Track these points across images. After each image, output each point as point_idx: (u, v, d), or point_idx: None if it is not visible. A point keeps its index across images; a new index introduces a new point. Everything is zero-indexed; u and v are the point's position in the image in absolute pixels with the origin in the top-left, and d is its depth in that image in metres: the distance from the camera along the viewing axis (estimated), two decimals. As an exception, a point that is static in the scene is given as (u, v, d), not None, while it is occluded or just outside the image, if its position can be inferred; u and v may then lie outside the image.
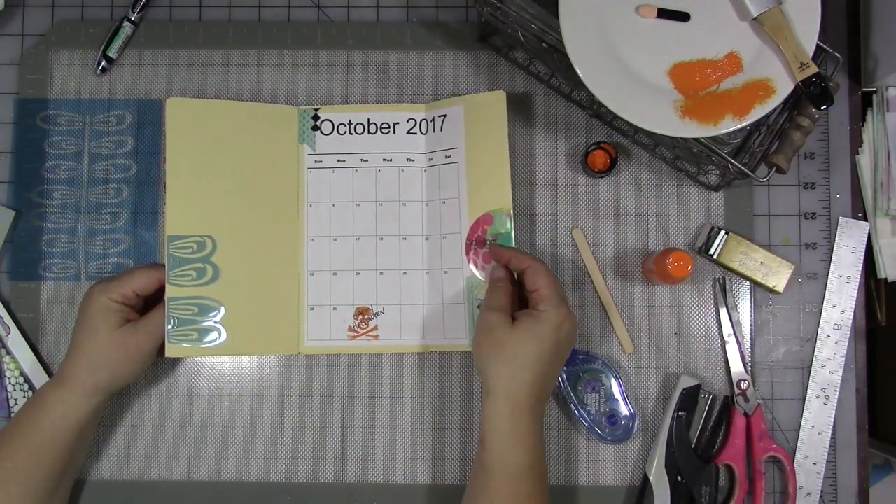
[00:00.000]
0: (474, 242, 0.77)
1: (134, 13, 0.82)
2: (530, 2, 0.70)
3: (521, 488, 0.67)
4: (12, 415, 0.78)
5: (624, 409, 0.78)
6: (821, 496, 0.78)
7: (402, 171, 0.80)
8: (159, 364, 0.79)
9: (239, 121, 0.80)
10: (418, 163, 0.80)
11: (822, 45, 0.68)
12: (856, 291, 0.79)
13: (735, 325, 0.79)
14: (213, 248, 0.78)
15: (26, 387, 0.79)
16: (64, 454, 0.71)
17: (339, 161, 0.80)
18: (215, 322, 0.77)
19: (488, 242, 0.77)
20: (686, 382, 0.77)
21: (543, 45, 0.71)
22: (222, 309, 0.77)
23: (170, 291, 0.76)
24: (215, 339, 0.77)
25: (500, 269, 0.74)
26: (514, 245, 0.76)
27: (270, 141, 0.80)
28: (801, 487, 0.77)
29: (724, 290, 0.79)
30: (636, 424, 0.78)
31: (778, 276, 0.79)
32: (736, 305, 0.79)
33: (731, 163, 0.69)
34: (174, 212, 0.78)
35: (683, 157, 0.79)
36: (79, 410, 0.71)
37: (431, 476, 0.79)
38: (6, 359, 0.79)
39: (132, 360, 0.72)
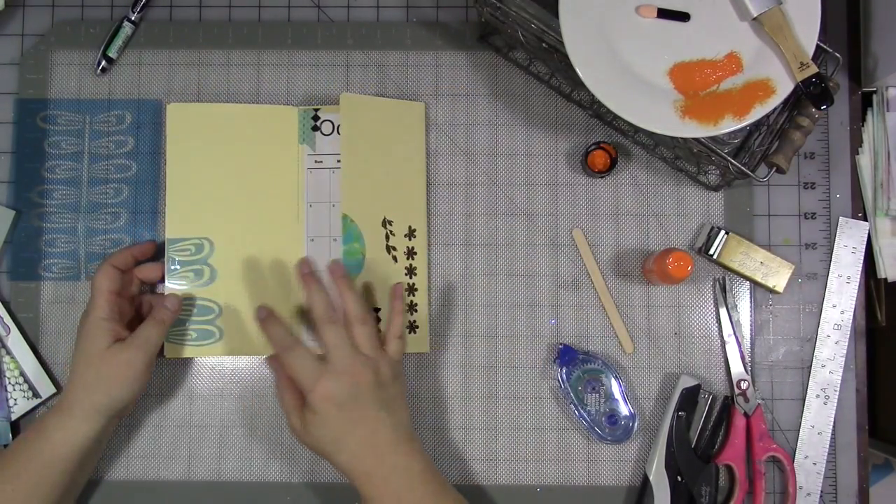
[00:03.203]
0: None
1: (134, 13, 0.82)
2: (530, 2, 0.70)
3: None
4: (12, 415, 0.78)
5: (624, 409, 0.78)
6: (821, 496, 0.78)
7: (402, 171, 0.80)
8: (159, 364, 0.79)
9: (239, 123, 0.80)
10: (418, 163, 0.80)
11: (822, 45, 0.68)
12: (856, 291, 0.79)
13: (735, 325, 0.79)
14: (211, 250, 0.79)
15: (26, 387, 0.79)
16: (64, 479, 0.70)
17: (339, 161, 0.80)
18: (212, 323, 0.78)
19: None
20: (686, 382, 0.77)
21: (543, 45, 0.71)
22: (218, 309, 0.78)
23: (169, 292, 0.78)
24: (212, 339, 0.78)
25: (273, 366, 0.73)
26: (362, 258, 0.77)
27: (270, 142, 0.80)
28: (801, 487, 0.77)
29: (724, 290, 0.79)
30: (636, 424, 0.78)
31: (778, 276, 0.79)
32: (736, 305, 0.79)
33: (731, 163, 0.69)
34: (174, 215, 0.79)
35: (683, 157, 0.79)
36: (78, 434, 0.70)
37: (431, 476, 0.79)
38: (6, 359, 0.79)
39: (125, 378, 0.71)
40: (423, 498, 0.68)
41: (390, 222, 0.78)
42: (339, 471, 0.70)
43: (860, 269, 0.79)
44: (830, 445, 0.78)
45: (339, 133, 0.80)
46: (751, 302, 0.80)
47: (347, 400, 0.68)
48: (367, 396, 0.69)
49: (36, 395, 0.79)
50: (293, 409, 0.70)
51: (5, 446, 0.78)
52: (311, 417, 0.69)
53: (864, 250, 0.79)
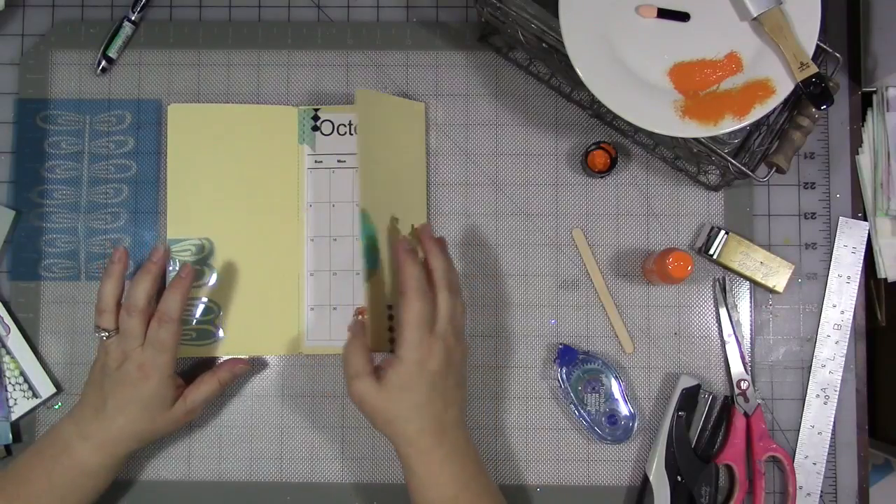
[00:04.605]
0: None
1: (134, 13, 0.82)
2: (530, 2, 0.70)
3: None
4: (12, 415, 0.78)
5: (624, 409, 0.78)
6: (821, 496, 0.78)
7: (402, 171, 0.80)
8: (159, 364, 0.79)
9: (239, 123, 0.80)
10: (418, 163, 0.80)
11: (822, 45, 0.68)
12: (856, 291, 0.79)
13: (735, 325, 0.79)
14: (211, 250, 0.79)
15: (26, 387, 0.79)
16: (83, 498, 0.72)
17: (339, 161, 0.80)
18: (213, 322, 0.78)
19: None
20: (686, 382, 0.77)
21: (543, 45, 0.71)
22: (218, 309, 0.78)
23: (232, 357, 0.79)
24: (213, 339, 0.78)
25: (353, 331, 0.69)
26: (376, 243, 0.74)
27: (270, 142, 0.80)
28: (801, 487, 0.77)
29: (724, 290, 0.79)
30: (636, 424, 0.78)
31: (778, 276, 0.79)
32: (736, 305, 0.79)
33: (731, 163, 0.69)
34: (174, 215, 0.79)
35: (683, 157, 0.79)
36: (106, 467, 0.72)
37: (431, 476, 0.79)
38: (6, 359, 0.79)
39: (170, 431, 0.74)
40: (474, 478, 0.69)
41: (396, 220, 0.78)
42: (395, 442, 0.68)
43: (860, 269, 0.79)
44: (830, 445, 0.78)
45: (345, 132, 0.80)
46: (751, 302, 0.80)
47: (441, 369, 0.67)
48: (454, 371, 0.69)
49: (36, 395, 0.79)
50: (365, 370, 0.67)
51: (6, 446, 0.78)
52: (397, 378, 0.67)
53: (864, 250, 0.79)
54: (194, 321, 0.78)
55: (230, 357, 0.78)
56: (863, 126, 0.81)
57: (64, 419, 0.72)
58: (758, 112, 0.65)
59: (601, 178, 0.80)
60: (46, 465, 0.70)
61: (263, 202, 0.80)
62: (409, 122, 0.80)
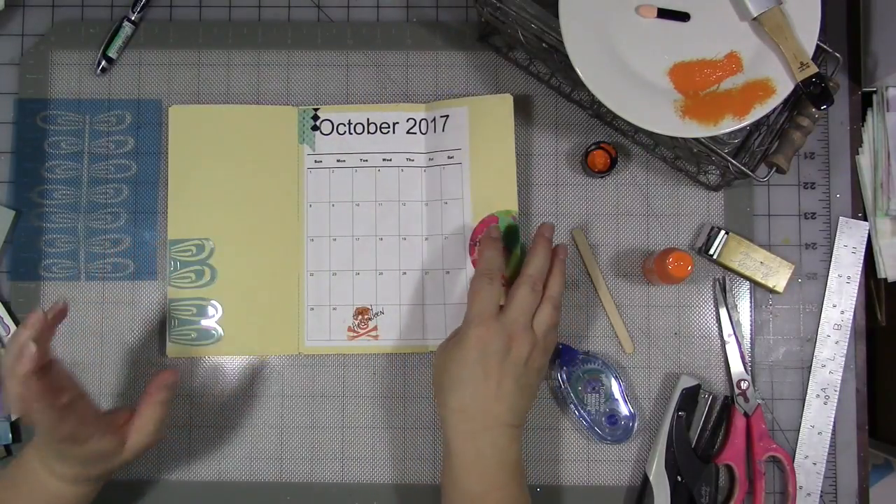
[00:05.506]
0: (478, 242, 0.77)
1: (134, 13, 0.82)
2: (530, 2, 0.70)
3: None
4: (11, 416, 0.78)
5: (624, 409, 0.78)
6: (821, 496, 0.78)
7: (402, 171, 0.80)
8: (160, 365, 0.79)
9: (239, 124, 0.80)
10: (418, 163, 0.80)
11: (822, 45, 0.68)
12: (856, 291, 0.79)
13: (735, 325, 0.79)
14: (212, 251, 0.79)
15: (26, 387, 0.79)
16: None
17: (338, 161, 0.80)
18: (213, 322, 0.78)
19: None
20: (686, 382, 0.77)
21: (543, 45, 0.71)
22: (220, 309, 0.78)
23: (171, 293, 0.79)
24: (213, 339, 0.78)
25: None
26: (520, 244, 0.76)
27: (270, 142, 0.80)
28: (801, 487, 0.77)
29: (724, 290, 0.79)
30: (636, 424, 0.78)
31: (778, 276, 0.79)
32: (736, 305, 0.79)
33: (731, 163, 0.69)
34: (175, 216, 0.79)
35: (683, 157, 0.79)
36: (84, 494, 0.69)
37: (431, 476, 0.79)
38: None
39: (137, 458, 0.70)
40: (505, 485, 0.67)
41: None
42: (440, 414, 0.69)
43: (860, 269, 0.79)
44: (830, 445, 0.78)
45: (345, 132, 0.80)
46: (751, 302, 0.80)
47: (494, 355, 0.67)
48: (514, 366, 0.67)
49: (36, 395, 0.79)
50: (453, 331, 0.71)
51: (6, 446, 0.78)
52: (454, 345, 0.68)
53: (864, 250, 0.79)
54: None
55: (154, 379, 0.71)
56: (863, 126, 0.81)
57: (29, 452, 0.68)
58: (758, 112, 0.65)
59: (601, 178, 0.80)
60: (25, 499, 0.67)
61: (263, 202, 0.80)
62: (495, 118, 0.79)
